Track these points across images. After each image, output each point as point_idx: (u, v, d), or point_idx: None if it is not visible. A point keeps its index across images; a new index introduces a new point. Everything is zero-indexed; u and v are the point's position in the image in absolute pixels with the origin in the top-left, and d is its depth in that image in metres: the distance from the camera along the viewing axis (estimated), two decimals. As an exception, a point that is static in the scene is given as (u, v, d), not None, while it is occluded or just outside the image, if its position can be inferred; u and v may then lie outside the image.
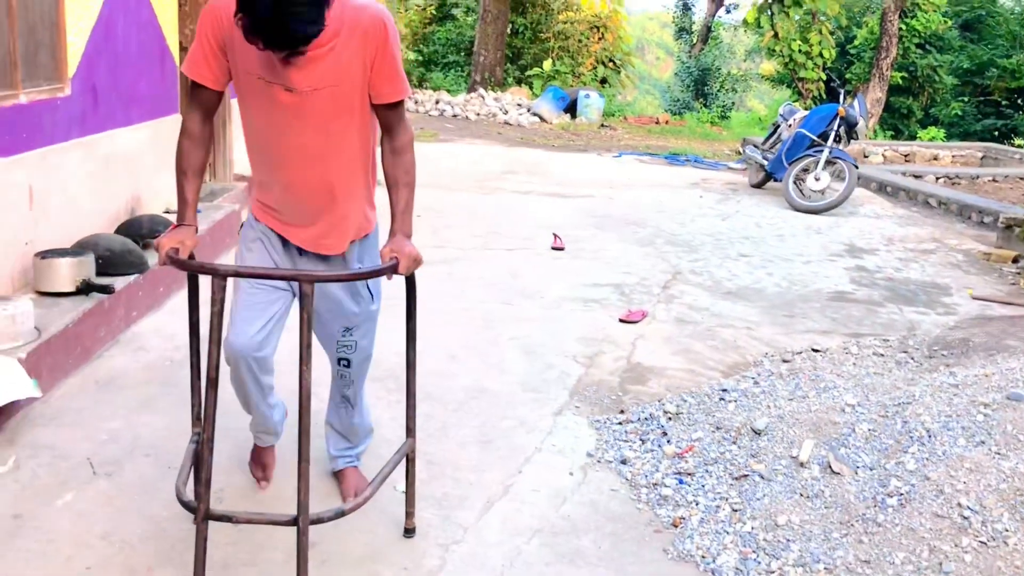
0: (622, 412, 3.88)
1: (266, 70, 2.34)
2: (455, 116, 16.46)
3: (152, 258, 4.81)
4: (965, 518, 2.71)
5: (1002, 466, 2.82)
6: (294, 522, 2.31)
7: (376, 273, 2.45)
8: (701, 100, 23.98)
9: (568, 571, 2.75)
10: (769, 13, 18.41)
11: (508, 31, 20.34)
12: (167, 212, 5.69)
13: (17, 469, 3.13)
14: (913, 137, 18.90)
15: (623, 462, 3.42)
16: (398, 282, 2.63)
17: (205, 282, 2.39)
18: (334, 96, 2.40)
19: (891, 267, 6.97)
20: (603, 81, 20.51)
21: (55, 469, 3.15)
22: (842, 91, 9.63)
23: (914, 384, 3.56)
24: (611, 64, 20.91)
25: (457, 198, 8.79)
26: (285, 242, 2.68)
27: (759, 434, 3.38)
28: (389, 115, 2.54)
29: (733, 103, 25.45)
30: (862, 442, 3.17)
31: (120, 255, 4.50)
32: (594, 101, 16.94)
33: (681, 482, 3.22)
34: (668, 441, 3.51)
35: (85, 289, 4.17)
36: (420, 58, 22.29)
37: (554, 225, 7.64)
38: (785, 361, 4.42)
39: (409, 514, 2.84)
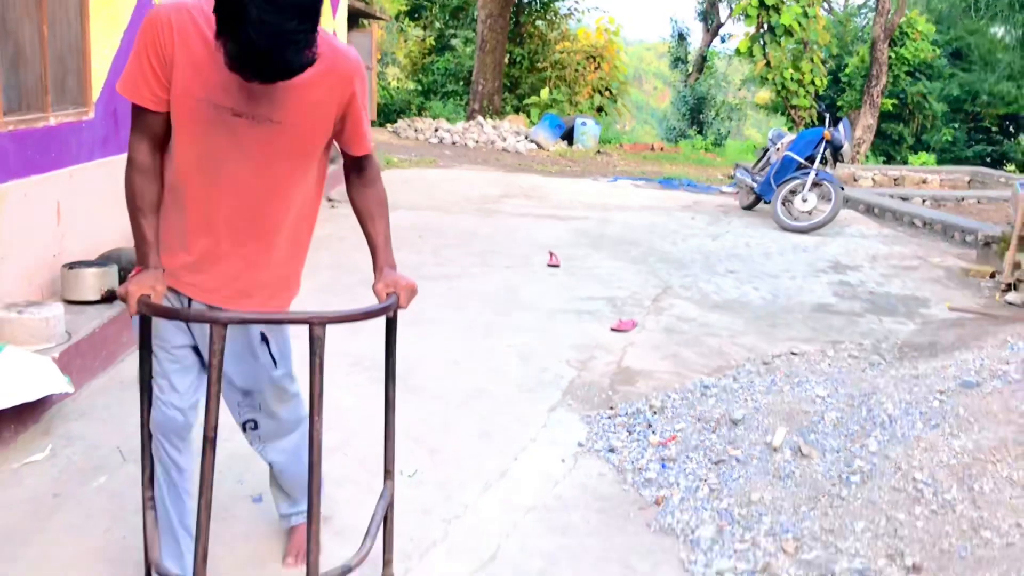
0: (611, 408, 4.16)
1: (218, 93, 2.09)
2: (454, 144, 16.85)
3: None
4: (919, 490, 2.98)
5: (953, 444, 3.10)
6: None
7: (380, 312, 2.21)
8: (696, 128, 24.42)
9: (559, 541, 3.02)
10: (761, 43, 18.88)
11: (506, 61, 20.82)
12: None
13: (54, 456, 3.41)
14: (905, 162, 19.29)
15: (611, 450, 3.69)
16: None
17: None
18: (290, 133, 2.17)
19: (873, 282, 7.26)
20: (599, 110, 20.95)
21: (88, 456, 3.42)
22: (827, 115, 9.99)
23: (880, 377, 3.85)
24: (607, 93, 21.37)
25: (457, 220, 9.10)
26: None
27: (736, 424, 3.66)
28: (360, 161, 2.39)
29: (728, 131, 25.91)
30: (830, 428, 3.45)
31: (141, 267, 4.79)
32: (590, 128, 17.35)
33: (664, 467, 3.49)
34: (653, 432, 3.79)
35: (109, 298, 4.47)
36: (419, 88, 22.80)
37: (550, 245, 7.94)
38: (765, 363, 4.70)
39: (387, 561, 2.56)
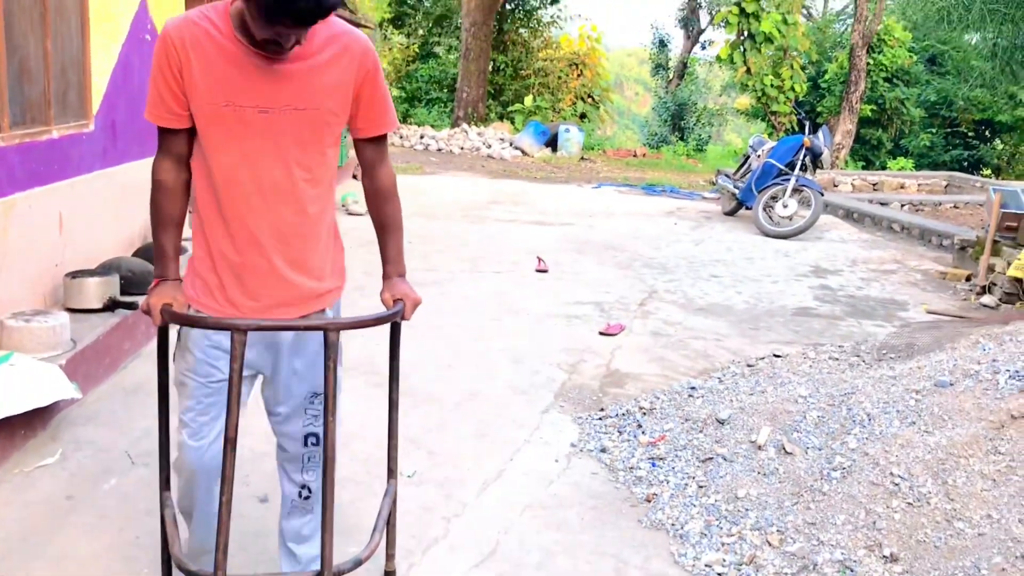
0: (602, 409, 4.31)
1: (239, 95, 2.12)
2: (439, 150, 16.99)
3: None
4: (896, 484, 3.14)
5: (928, 441, 3.27)
6: None
7: (388, 318, 2.29)
8: (678, 134, 24.66)
9: (556, 537, 3.16)
10: (742, 49, 19.11)
11: (490, 68, 20.99)
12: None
13: (64, 460, 3.52)
14: (883, 167, 19.58)
15: (603, 450, 3.84)
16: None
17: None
18: (314, 118, 2.18)
19: (853, 286, 7.46)
20: (582, 116, 21.15)
21: (98, 459, 3.54)
22: (807, 123, 10.20)
23: (859, 378, 4.02)
24: (590, 99, 21.57)
25: (445, 226, 9.24)
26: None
27: (723, 423, 3.82)
28: (376, 150, 2.36)
29: (709, 136, 26.17)
30: (812, 427, 3.61)
31: (141, 275, 4.90)
32: (574, 135, 17.53)
33: (654, 465, 3.64)
34: (643, 432, 3.94)
35: (112, 306, 4.58)
36: (404, 95, 22.90)
37: (537, 250, 8.09)
38: (749, 365, 4.87)
39: (390, 556, 2.66)
